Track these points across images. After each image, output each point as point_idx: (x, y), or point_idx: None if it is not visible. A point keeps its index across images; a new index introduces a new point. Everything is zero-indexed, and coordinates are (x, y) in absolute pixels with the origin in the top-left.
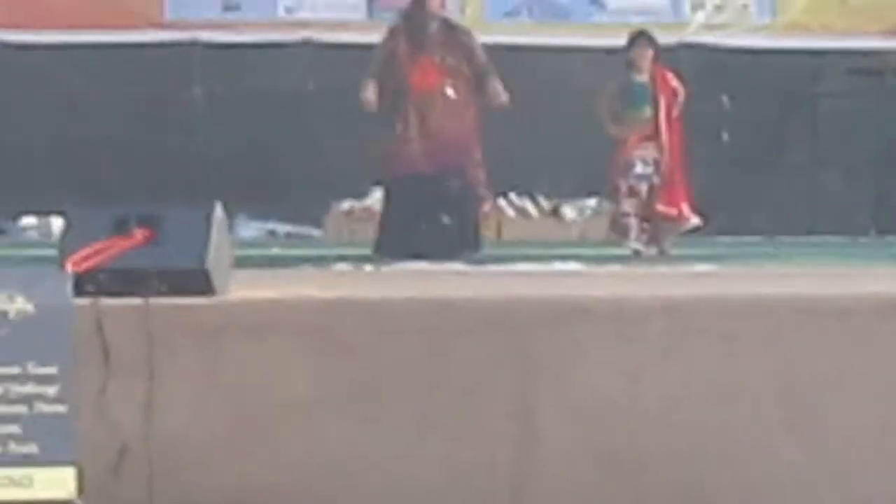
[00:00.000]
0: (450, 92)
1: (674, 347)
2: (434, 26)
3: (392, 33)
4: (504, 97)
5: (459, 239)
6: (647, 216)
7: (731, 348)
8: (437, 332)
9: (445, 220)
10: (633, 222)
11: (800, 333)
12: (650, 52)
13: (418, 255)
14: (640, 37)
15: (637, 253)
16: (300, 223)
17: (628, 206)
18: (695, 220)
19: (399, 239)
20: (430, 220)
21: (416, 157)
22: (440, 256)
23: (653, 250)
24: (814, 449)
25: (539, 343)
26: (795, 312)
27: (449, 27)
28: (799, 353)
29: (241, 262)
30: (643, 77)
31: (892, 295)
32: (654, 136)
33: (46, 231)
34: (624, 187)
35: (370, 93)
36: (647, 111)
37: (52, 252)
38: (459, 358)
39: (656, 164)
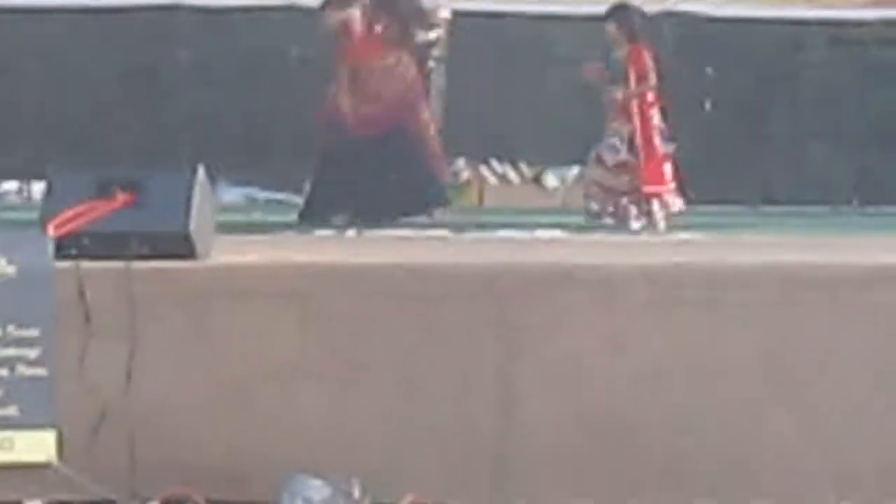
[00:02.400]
0: (390, 59)
1: (657, 315)
2: None
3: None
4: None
5: (409, 197)
6: (626, 192)
7: (715, 317)
8: (419, 297)
9: (386, 180)
10: (594, 190)
11: (784, 303)
12: (623, 28)
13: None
14: (613, 12)
15: (596, 216)
16: (282, 189)
17: (595, 173)
18: (678, 204)
19: (326, 203)
20: (366, 183)
21: (351, 120)
22: (386, 216)
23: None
24: (799, 418)
25: (521, 309)
26: (780, 282)
27: None
28: (784, 322)
29: (223, 228)
30: (620, 52)
31: (876, 264)
32: (627, 113)
33: (27, 195)
34: (593, 154)
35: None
36: (620, 87)
37: (33, 216)
38: (441, 323)
39: (630, 141)
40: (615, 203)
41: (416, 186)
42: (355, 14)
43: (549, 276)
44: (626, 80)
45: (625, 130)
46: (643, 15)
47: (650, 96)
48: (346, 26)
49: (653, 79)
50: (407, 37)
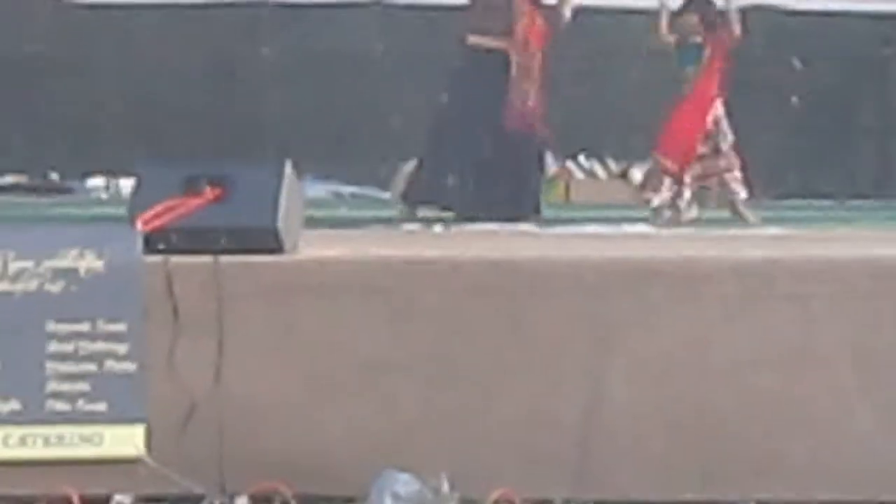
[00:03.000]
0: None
1: (745, 310)
2: None
3: None
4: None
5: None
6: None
7: (803, 311)
8: (507, 292)
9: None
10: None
11: (873, 297)
12: (703, 18)
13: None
14: (692, 2)
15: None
16: (367, 184)
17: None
18: (742, 194)
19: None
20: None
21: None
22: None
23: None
24: (889, 414)
25: (609, 304)
26: (868, 276)
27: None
28: (873, 316)
29: (309, 222)
30: (696, 39)
31: None
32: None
33: (114, 191)
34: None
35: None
36: (692, 72)
37: (120, 211)
38: (528, 319)
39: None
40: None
41: (533, 191)
42: None
43: (637, 271)
44: (702, 67)
45: None
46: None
47: (718, 88)
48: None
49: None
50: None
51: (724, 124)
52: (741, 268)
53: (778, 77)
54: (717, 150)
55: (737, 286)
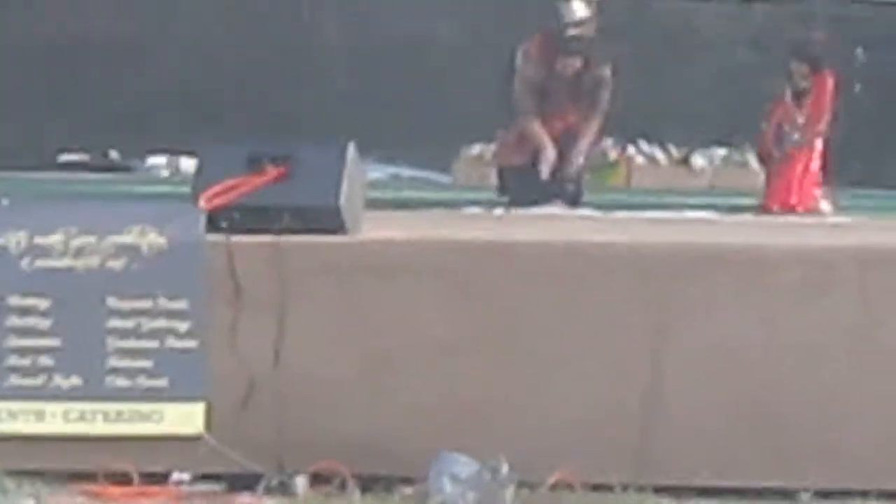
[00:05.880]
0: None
1: (810, 297)
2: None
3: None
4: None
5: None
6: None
7: (868, 299)
8: (568, 276)
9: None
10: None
11: None
12: (806, 62)
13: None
14: (795, 48)
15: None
16: (428, 167)
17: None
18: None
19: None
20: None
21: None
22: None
23: None
24: None
25: (672, 289)
26: None
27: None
28: None
29: (371, 204)
30: (804, 84)
31: None
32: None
33: (175, 170)
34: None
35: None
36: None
37: (182, 190)
38: (590, 303)
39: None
40: None
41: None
42: None
43: (699, 257)
44: (807, 109)
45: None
46: (825, 42)
47: (821, 124)
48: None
49: (828, 112)
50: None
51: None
52: (804, 255)
53: (841, 65)
54: None
55: (800, 273)
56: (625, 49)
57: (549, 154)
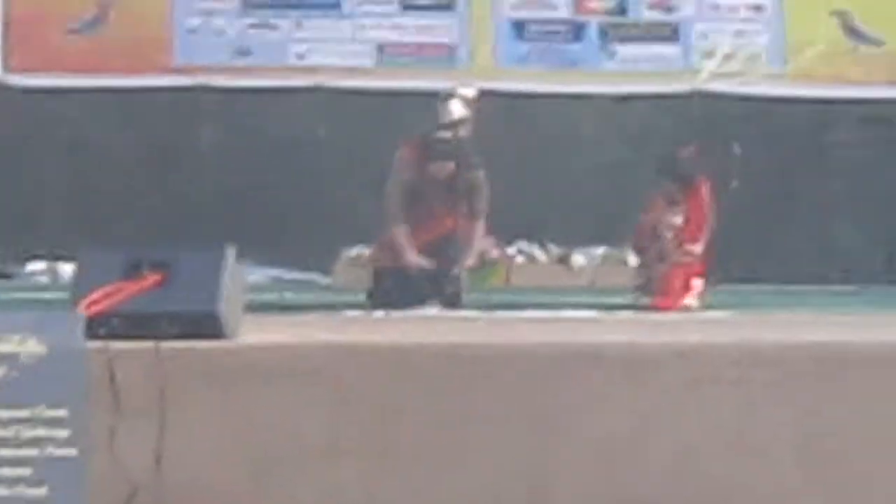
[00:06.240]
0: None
1: (688, 395)
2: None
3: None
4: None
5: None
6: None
7: (746, 396)
8: (448, 377)
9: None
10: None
11: (817, 381)
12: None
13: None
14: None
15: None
16: (308, 269)
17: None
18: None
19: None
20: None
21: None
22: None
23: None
24: (834, 498)
25: (552, 389)
26: (812, 360)
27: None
28: (816, 401)
29: (250, 308)
30: (682, 206)
31: None
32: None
33: (54, 276)
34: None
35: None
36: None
37: (61, 296)
38: (471, 403)
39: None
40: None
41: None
42: None
43: (579, 356)
44: (683, 216)
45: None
46: (694, 157)
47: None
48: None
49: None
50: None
51: None
52: (682, 352)
53: (718, 162)
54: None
55: (680, 371)
56: (504, 148)
57: (411, 261)
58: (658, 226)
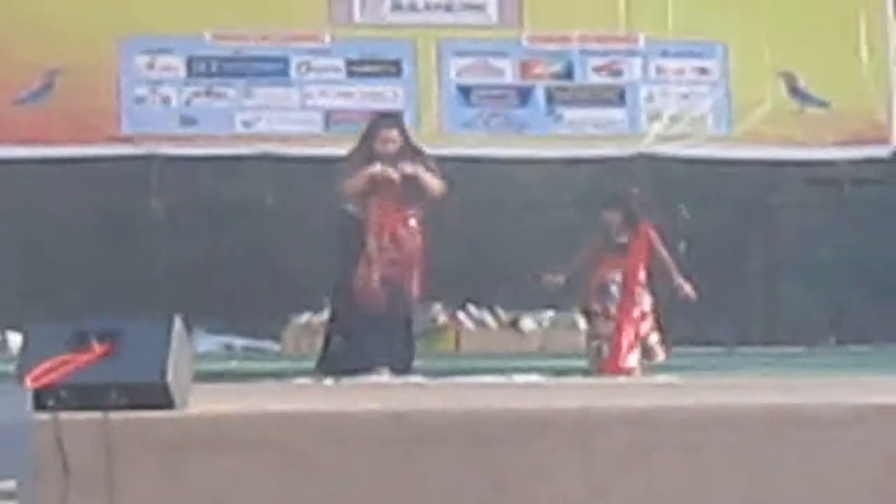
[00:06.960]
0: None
1: (638, 459)
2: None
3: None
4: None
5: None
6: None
7: (696, 460)
8: (398, 444)
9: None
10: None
11: (768, 444)
12: (618, 217)
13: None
14: (610, 200)
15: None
16: (258, 337)
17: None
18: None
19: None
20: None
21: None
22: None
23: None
24: None
25: (500, 455)
26: (762, 422)
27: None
28: (768, 463)
29: (200, 376)
30: (622, 238)
31: (854, 404)
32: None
33: (4, 346)
34: (599, 309)
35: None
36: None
37: (9, 368)
38: (420, 470)
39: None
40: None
41: (407, 344)
42: (387, 171)
43: (527, 422)
44: (627, 263)
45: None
46: (640, 197)
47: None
48: (373, 185)
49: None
50: (420, 190)
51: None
52: (631, 417)
53: (665, 224)
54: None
55: (628, 436)
56: (451, 213)
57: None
58: (604, 280)
